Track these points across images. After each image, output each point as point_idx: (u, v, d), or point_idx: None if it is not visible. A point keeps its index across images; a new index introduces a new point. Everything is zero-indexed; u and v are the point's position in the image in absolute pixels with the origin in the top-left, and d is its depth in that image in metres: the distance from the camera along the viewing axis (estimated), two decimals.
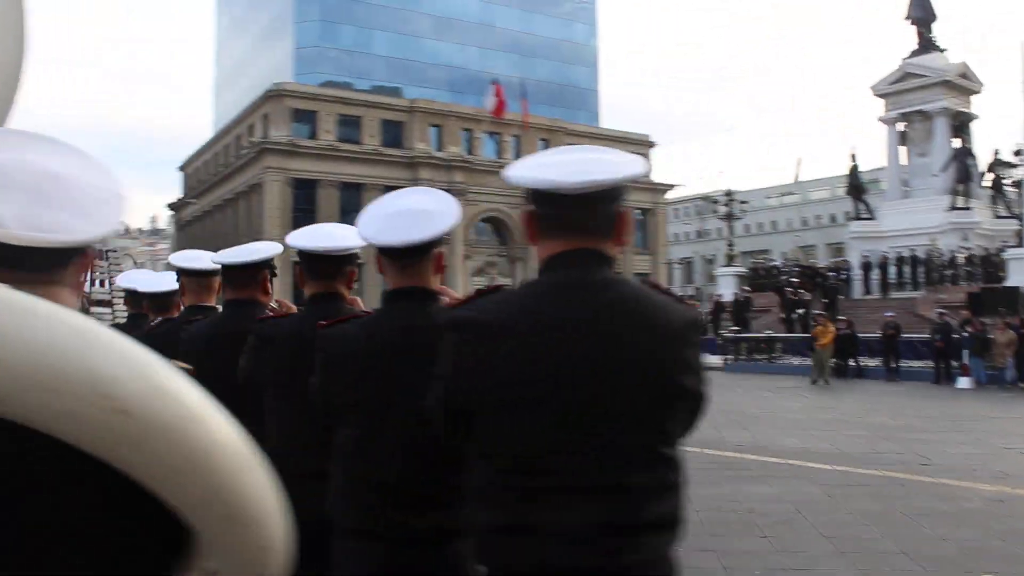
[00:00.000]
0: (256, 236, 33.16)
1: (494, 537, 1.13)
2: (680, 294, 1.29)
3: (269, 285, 2.24)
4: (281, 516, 0.68)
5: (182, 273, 2.41)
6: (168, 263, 3.06)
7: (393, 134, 37.36)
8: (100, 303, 15.10)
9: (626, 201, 1.23)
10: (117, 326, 3.10)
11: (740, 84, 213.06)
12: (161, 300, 2.70)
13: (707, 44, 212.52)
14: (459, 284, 37.52)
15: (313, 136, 35.93)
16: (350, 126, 36.65)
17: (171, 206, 50.25)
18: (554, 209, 1.16)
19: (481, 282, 38.67)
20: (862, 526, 4.47)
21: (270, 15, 44.94)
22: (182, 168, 51.16)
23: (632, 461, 1.11)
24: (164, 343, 1.38)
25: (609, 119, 59.46)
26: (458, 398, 1.16)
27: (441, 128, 38.05)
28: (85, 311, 0.84)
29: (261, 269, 2.19)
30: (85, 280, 0.90)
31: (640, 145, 44.39)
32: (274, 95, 35.93)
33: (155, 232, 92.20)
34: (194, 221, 46.19)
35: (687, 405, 1.19)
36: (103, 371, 0.56)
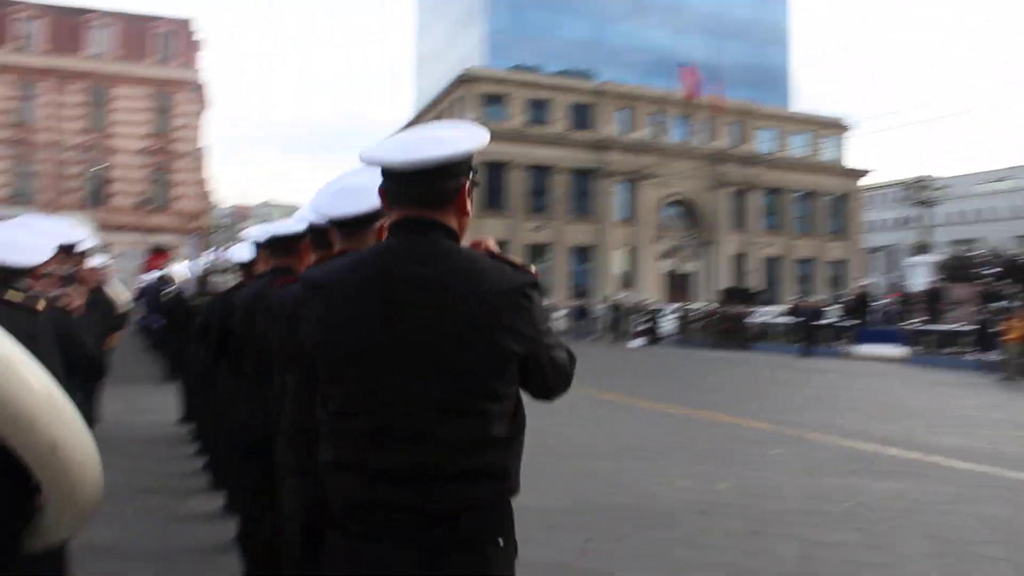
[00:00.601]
0: None
1: (329, 471, 1.24)
2: (522, 262, 1.29)
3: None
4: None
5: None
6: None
7: (581, 117, 38.06)
8: None
9: (466, 176, 1.27)
10: None
11: (951, 64, 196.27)
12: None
13: (913, 21, 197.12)
14: (648, 267, 37.66)
15: (503, 119, 37.42)
16: (539, 109, 37.76)
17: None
18: (393, 184, 1.27)
19: (666, 266, 38.56)
20: (976, 530, 4.17)
21: (464, 2, 47.22)
22: None
23: (443, 413, 1.19)
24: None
25: (804, 101, 56.91)
26: (304, 347, 1.30)
27: (630, 110, 38.27)
28: None
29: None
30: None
31: (833, 128, 42.32)
32: (465, 80, 37.77)
33: None
34: None
35: (516, 365, 1.25)
36: None
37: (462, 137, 1.26)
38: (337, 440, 1.25)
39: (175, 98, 34.02)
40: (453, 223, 1.28)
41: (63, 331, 2.18)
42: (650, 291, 34.60)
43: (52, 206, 32.37)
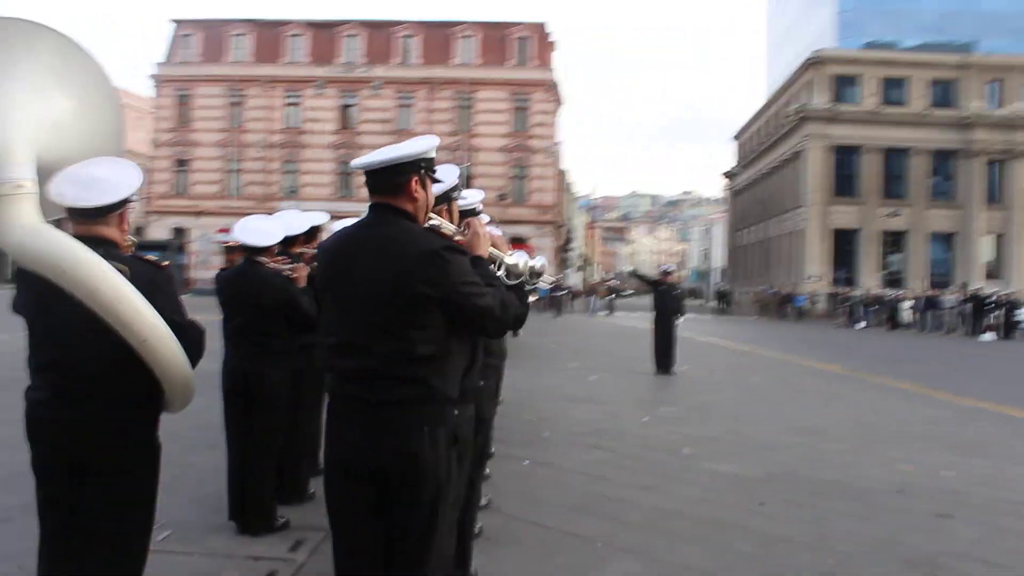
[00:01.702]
0: (797, 204, 50.39)
1: (326, 374, 2.86)
2: (456, 231, 3.07)
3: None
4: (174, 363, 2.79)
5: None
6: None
7: (943, 94, 50.83)
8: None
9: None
10: None
11: None
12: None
13: None
14: (1020, 256, 49.58)
15: (855, 101, 51.37)
16: (895, 88, 50.99)
17: (726, 174, 72.40)
18: (367, 179, 2.76)
19: None
20: None
21: None
22: (736, 137, 72.56)
23: (380, 334, 2.63)
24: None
25: None
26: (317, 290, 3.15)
27: (1002, 83, 50.45)
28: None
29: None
30: (126, 223, 3.00)
31: None
32: (814, 62, 52.04)
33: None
34: (745, 189, 66.56)
35: (433, 305, 2.65)
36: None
37: (412, 143, 2.79)
38: (326, 352, 2.77)
39: (532, 97, 52.81)
40: (406, 205, 2.76)
41: (284, 295, 4.99)
42: (1022, 281, 46.56)
43: None
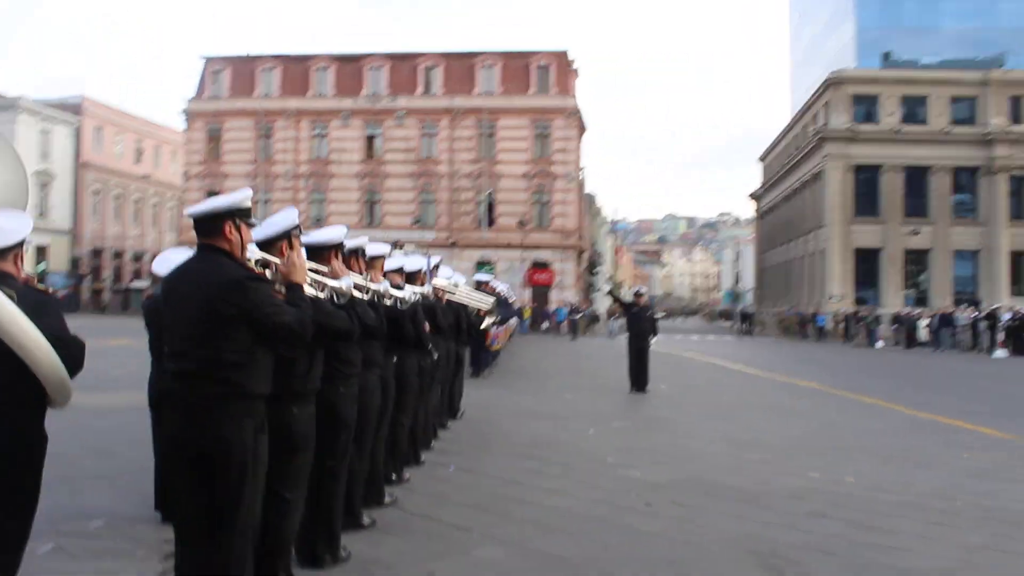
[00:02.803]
0: (819, 224, 50.68)
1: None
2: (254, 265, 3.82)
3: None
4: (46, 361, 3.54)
5: None
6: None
7: (964, 111, 50.97)
8: None
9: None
10: None
11: None
12: None
13: None
14: None
15: (874, 120, 51.70)
16: (916, 106, 51.27)
17: (752, 196, 72.97)
18: (193, 224, 3.75)
19: None
20: None
21: (832, 2, 63.30)
22: (761, 159, 73.19)
23: (194, 344, 3.56)
24: None
25: None
26: None
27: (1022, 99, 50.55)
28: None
29: None
30: (20, 260, 3.90)
31: None
32: (833, 82, 52.45)
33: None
34: (770, 211, 67.08)
35: (236, 322, 3.53)
36: None
37: (225, 197, 3.76)
38: (164, 357, 3.80)
39: (553, 124, 53.79)
40: (223, 244, 3.65)
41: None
42: None
43: (448, 229, 53.85)
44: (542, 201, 53.57)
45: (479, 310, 11.65)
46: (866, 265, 49.92)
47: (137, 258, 66.92)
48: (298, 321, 3.68)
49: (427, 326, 7.39)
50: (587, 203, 69.37)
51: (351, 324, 4.41)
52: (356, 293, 4.86)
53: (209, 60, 57.73)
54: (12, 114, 56.56)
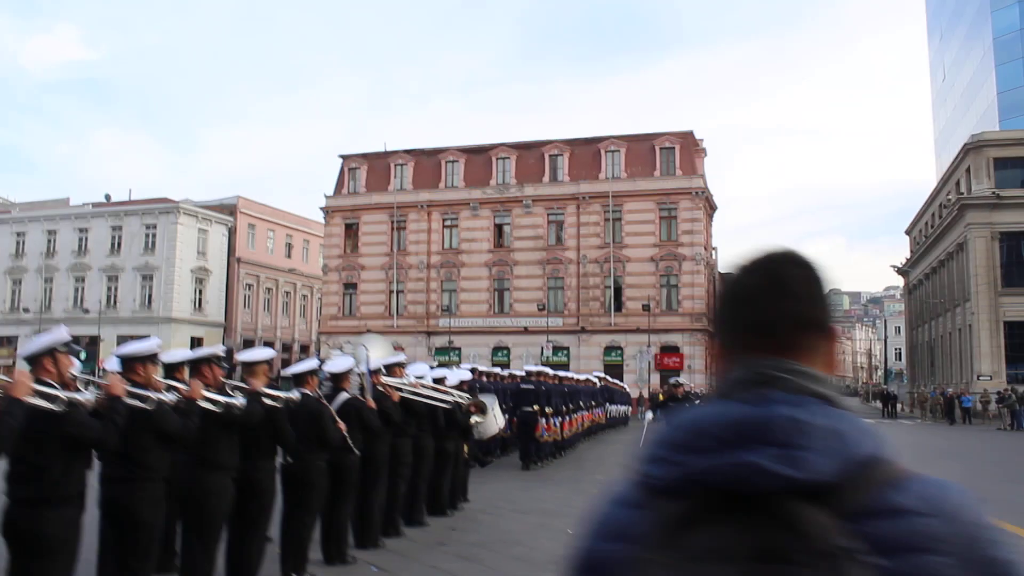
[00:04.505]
0: (964, 298, 48.07)
1: None
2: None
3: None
4: None
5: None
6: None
7: None
8: None
9: None
10: None
11: None
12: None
13: None
14: None
15: (1020, 184, 49.05)
16: None
17: (898, 271, 70.50)
18: None
19: None
20: None
21: (974, 64, 61.25)
22: (907, 232, 71.09)
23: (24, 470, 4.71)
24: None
25: None
26: None
27: None
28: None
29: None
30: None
31: None
32: (973, 147, 50.33)
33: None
34: (918, 285, 64.72)
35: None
36: None
37: (43, 337, 5.07)
38: None
39: (679, 206, 53.67)
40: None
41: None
42: None
43: (576, 315, 54.11)
44: (670, 284, 53.18)
45: (471, 405, 11.83)
46: (1018, 340, 46.83)
47: (286, 348, 70.31)
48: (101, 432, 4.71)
49: (341, 424, 7.78)
50: (724, 283, 68.42)
51: (102, 434, 4.81)
52: (130, 402, 5.30)
53: (346, 158, 60.95)
54: (174, 216, 61.40)
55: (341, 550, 8.43)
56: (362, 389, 9.16)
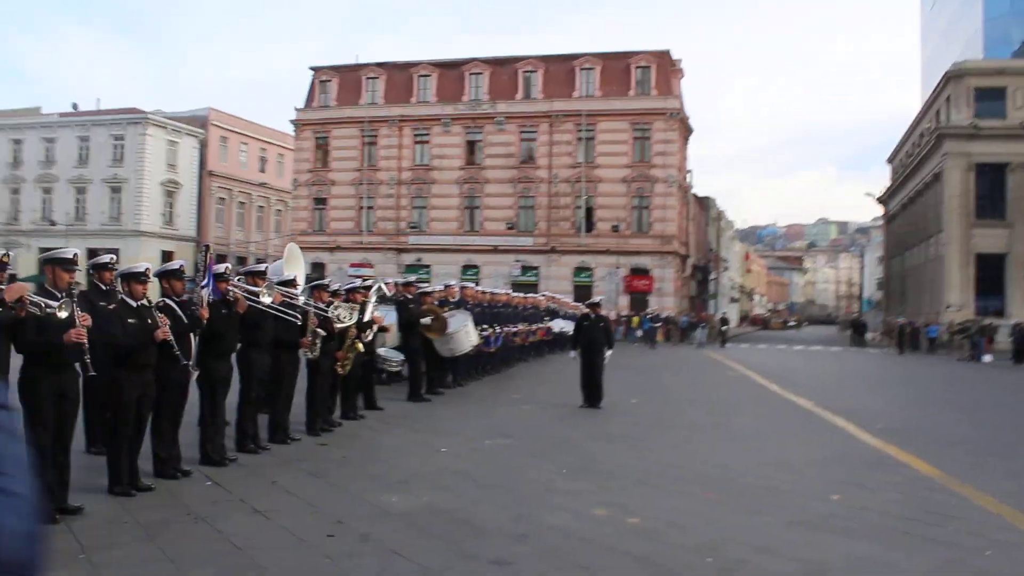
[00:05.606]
0: (938, 229, 47.38)
1: None
2: None
3: None
4: None
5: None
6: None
7: None
8: None
9: None
10: None
11: None
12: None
13: None
14: None
15: (1001, 115, 47.93)
16: None
17: (878, 200, 69.43)
18: None
19: None
20: None
21: None
22: (889, 160, 69.92)
23: None
24: None
25: None
26: None
27: None
28: None
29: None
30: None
31: None
32: (954, 75, 48.87)
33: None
34: (896, 215, 63.87)
35: None
36: None
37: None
38: None
39: (653, 127, 52.49)
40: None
41: None
42: None
43: (547, 235, 53.32)
44: (642, 206, 52.31)
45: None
46: (990, 272, 46.27)
47: (259, 262, 69.24)
48: None
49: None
50: (703, 209, 67.53)
51: None
52: None
53: (317, 70, 59.34)
54: (142, 127, 59.96)
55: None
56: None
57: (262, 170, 69.41)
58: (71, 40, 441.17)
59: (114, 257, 8.54)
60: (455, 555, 5.99)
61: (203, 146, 63.93)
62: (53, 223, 60.24)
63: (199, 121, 64.25)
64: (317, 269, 52.94)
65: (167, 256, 59.33)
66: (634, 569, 5.79)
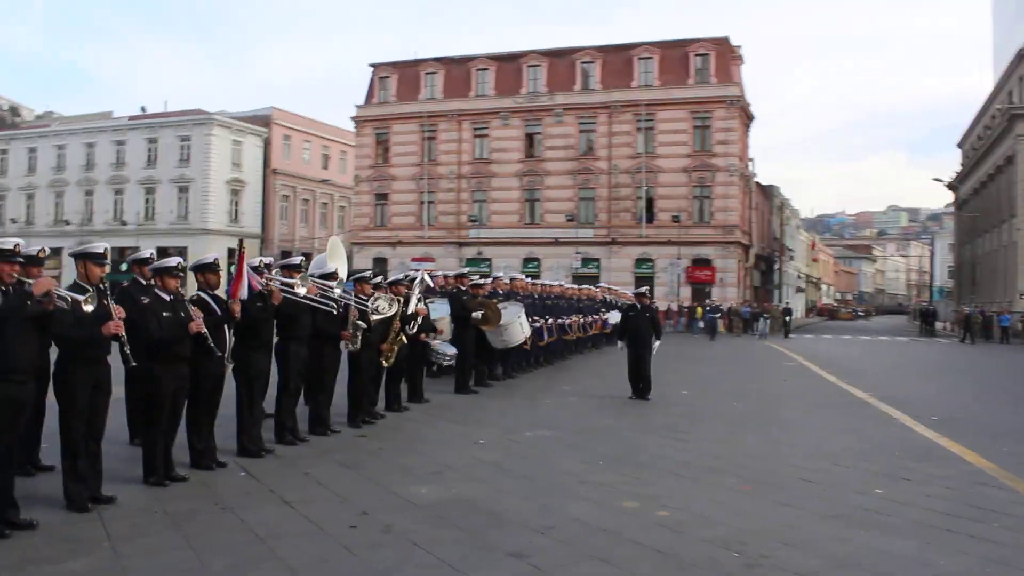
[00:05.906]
0: (1011, 214, 45.86)
1: None
2: None
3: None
4: None
5: None
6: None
7: None
8: None
9: None
10: None
11: None
12: None
13: None
14: None
15: None
16: None
17: (948, 185, 67.51)
18: None
19: None
20: None
21: None
22: (959, 145, 68.16)
23: None
24: None
25: None
26: None
27: None
28: None
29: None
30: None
31: None
32: None
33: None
34: (967, 201, 62.08)
35: None
36: None
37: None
38: None
39: (713, 115, 51.77)
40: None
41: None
42: None
43: (607, 227, 52.95)
44: (703, 196, 51.69)
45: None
46: None
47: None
48: None
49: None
50: (766, 197, 66.41)
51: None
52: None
53: (376, 67, 59.79)
54: (208, 128, 61.14)
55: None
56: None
57: (325, 167, 70.18)
58: (140, 46, 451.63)
59: (153, 253, 8.72)
60: (474, 547, 5.93)
61: (267, 145, 64.89)
62: (124, 223, 61.74)
63: (262, 120, 65.22)
64: (379, 264, 53.57)
65: (233, 254, 60.52)
66: (655, 561, 5.66)
